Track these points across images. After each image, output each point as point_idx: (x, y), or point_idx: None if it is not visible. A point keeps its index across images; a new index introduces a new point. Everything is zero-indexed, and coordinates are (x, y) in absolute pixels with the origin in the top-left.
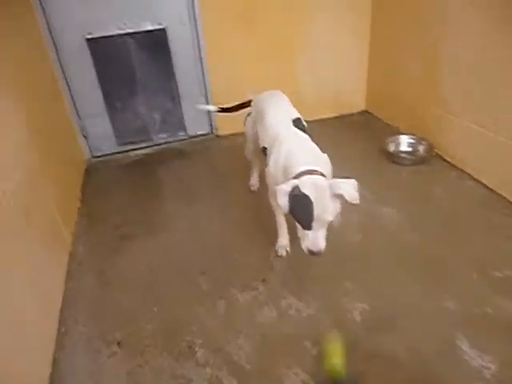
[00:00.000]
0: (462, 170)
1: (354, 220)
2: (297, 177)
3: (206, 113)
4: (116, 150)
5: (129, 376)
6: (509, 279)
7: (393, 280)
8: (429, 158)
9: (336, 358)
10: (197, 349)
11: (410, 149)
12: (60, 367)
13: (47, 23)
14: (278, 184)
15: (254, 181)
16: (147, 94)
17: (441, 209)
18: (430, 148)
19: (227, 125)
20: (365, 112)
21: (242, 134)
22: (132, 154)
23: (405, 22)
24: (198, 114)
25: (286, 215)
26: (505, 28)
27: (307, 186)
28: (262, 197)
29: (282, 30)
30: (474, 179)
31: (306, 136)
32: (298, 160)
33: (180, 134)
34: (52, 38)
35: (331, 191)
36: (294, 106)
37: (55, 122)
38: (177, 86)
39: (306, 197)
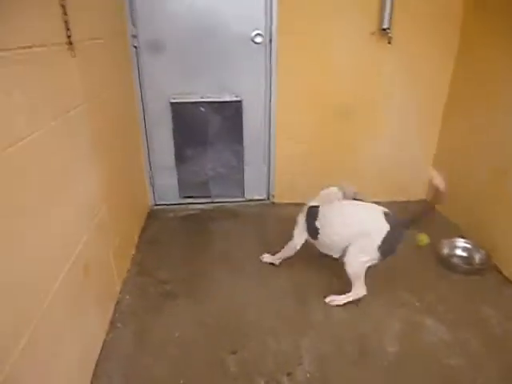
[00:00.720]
0: None
1: (394, 327)
2: None
3: (265, 179)
4: (177, 202)
5: None
6: None
7: None
8: (485, 269)
9: None
10: None
11: (465, 254)
12: None
13: (140, 84)
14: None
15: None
16: (215, 155)
17: (489, 332)
18: (488, 257)
19: (284, 194)
20: (423, 201)
21: (297, 205)
22: (190, 207)
23: (475, 131)
24: (257, 179)
25: None
26: None
27: None
28: (306, 270)
29: (351, 118)
30: None
31: None
32: None
33: (237, 195)
34: (142, 99)
35: None
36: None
37: (130, 174)
38: (243, 152)
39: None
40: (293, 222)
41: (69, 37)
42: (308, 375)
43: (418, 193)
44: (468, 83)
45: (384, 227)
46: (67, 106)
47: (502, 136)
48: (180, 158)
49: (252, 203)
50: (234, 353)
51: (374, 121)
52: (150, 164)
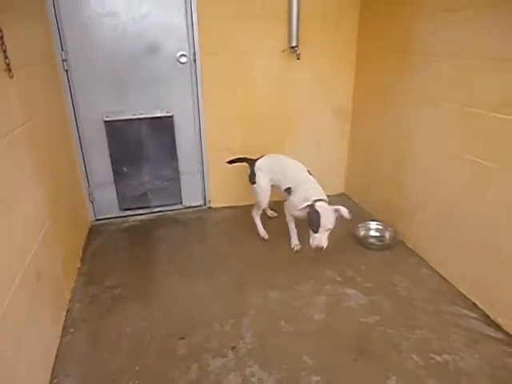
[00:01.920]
0: (420, 258)
1: (320, 299)
2: (314, 201)
3: (200, 187)
4: (117, 215)
5: None
6: (447, 364)
7: (346, 356)
8: (394, 245)
9: None
10: None
11: (377, 234)
12: None
13: (73, 104)
14: (296, 209)
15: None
16: (151, 167)
17: (399, 294)
18: (395, 235)
19: (219, 198)
20: (342, 195)
21: (232, 208)
22: (131, 218)
23: (380, 123)
24: (193, 187)
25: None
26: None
27: (319, 206)
28: (244, 266)
29: (273, 124)
30: (431, 267)
31: (314, 180)
32: (313, 195)
33: (176, 204)
34: (76, 119)
35: (333, 210)
36: None
37: (68, 191)
38: (177, 164)
39: (317, 212)
40: (229, 224)
41: (7, 64)
42: (249, 347)
43: (338, 187)
44: (367, 87)
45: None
46: (9, 128)
47: (400, 131)
48: (117, 173)
49: (190, 210)
50: (182, 338)
51: (293, 127)
52: (88, 181)
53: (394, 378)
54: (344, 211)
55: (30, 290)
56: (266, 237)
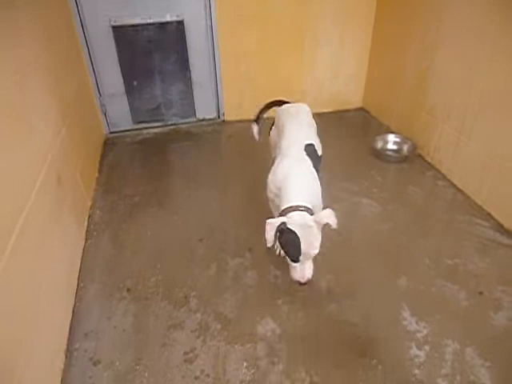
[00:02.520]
0: (438, 171)
1: (335, 208)
2: (286, 211)
3: (214, 99)
4: (131, 128)
5: (135, 316)
6: (457, 267)
7: (360, 258)
8: (412, 158)
9: None
10: (190, 299)
11: (395, 147)
12: (79, 306)
13: (78, 9)
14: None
15: None
16: (163, 78)
17: (413, 204)
18: (414, 148)
19: (233, 112)
20: (361, 109)
21: (246, 121)
22: (145, 131)
23: (402, 35)
24: (207, 99)
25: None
26: (493, 46)
27: (295, 223)
28: (257, 178)
29: (291, 27)
30: (448, 180)
31: (307, 164)
32: (288, 194)
33: (189, 117)
34: (81, 23)
35: (317, 225)
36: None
37: (81, 100)
38: (190, 74)
39: (294, 234)
40: (242, 138)
41: None
42: (265, 250)
43: (356, 102)
44: (388, 19)
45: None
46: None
47: (426, 41)
48: (129, 84)
49: (204, 123)
50: (200, 240)
51: (311, 38)
52: (99, 92)
53: (405, 277)
54: (331, 221)
55: (52, 191)
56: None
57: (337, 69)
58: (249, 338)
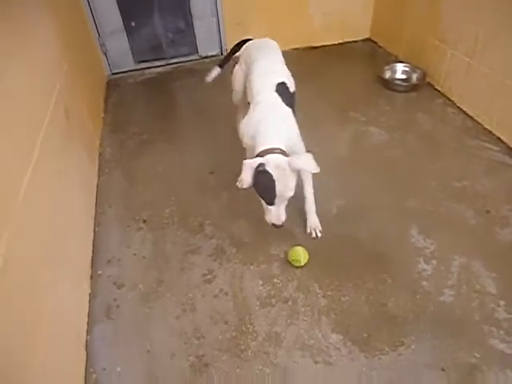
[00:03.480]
0: (448, 98)
1: (343, 137)
2: (261, 154)
3: (216, 34)
4: (133, 68)
5: (153, 243)
6: (465, 188)
7: (369, 184)
8: (421, 86)
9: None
10: (205, 226)
11: (404, 76)
12: (99, 232)
13: None
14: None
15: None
16: (162, 13)
17: (422, 131)
18: (423, 76)
19: None
20: (368, 40)
21: None
22: (147, 71)
23: None
24: (209, 35)
25: None
26: None
27: (271, 165)
28: None
29: None
30: (457, 107)
31: (280, 106)
32: (263, 138)
33: (192, 54)
34: None
35: (291, 168)
36: (302, 32)
37: (80, 38)
38: (190, 7)
39: (269, 176)
40: None
41: None
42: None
43: (363, 32)
44: None
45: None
46: None
47: None
48: (127, 20)
49: (207, 60)
50: (211, 173)
51: None
52: (97, 31)
53: (414, 199)
54: (309, 166)
55: (61, 126)
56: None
57: None
58: (263, 259)
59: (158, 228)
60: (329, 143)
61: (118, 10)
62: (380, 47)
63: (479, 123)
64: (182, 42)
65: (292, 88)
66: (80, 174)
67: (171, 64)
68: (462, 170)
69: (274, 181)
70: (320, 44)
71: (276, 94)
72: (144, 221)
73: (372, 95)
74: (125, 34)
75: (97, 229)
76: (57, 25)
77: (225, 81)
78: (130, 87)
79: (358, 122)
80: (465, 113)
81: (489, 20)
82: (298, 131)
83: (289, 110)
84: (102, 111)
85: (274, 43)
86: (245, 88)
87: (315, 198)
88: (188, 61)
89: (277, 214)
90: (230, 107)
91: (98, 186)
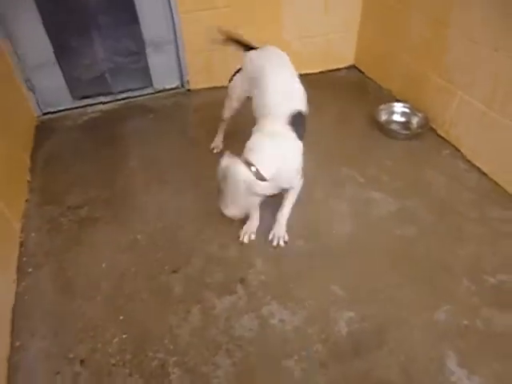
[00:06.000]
0: (456, 149)
1: (342, 206)
2: (243, 159)
3: (175, 63)
4: (70, 106)
5: None
6: (501, 286)
7: (383, 283)
8: (423, 133)
9: None
10: (170, 369)
11: (403, 119)
12: None
13: None
14: None
15: (218, 142)
16: (104, 38)
17: (435, 196)
18: (426, 122)
19: (201, 77)
20: (353, 67)
21: (218, 89)
22: (89, 110)
23: None
24: (165, 64)
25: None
26: None
27: (223, 165)
28: None
29: None
30: (468, 161)
31: (291, 141)
32: (254, 154)
33: (145, 87)
34: None
35: (248, 188)
36: None
37: None
38: (140, 29)
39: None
40: (213, 110)
41: None
42: (262, 277)
43: (347, 58)
44: None
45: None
46: None
47: None
48: (60, 47)
49: (164, 94)
50: (175, 272)
51: None
52: (20, 63)
53: (443, 307)
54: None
55: None
56: (215, 151)
57: (323, 16)
58: None
59: (102, 374)
60: (322, 218)
61: (47, 36)
62: (368, 78)
63: (499, 185)
64: (132, 71)
65: (305, 110)
66: None
67: (119, 100)
68: (492, 255)
69: (227, 185)
70: (298, 72)
71: (289, 127)
72: (82, 361)
73: (367, 144)
74: (57, 64)
75: (12, 376)
76: None
77: (186, 123)
78: (68, 132)
79: (356, 185)
80: (479, 169)
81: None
82: (299, 167)
83: (299, 145)
84: (27, 172)
85: (284, 54)
86: (243, 97)
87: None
88: (141, 95)
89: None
90: (196, 161)
91: (16, 301)
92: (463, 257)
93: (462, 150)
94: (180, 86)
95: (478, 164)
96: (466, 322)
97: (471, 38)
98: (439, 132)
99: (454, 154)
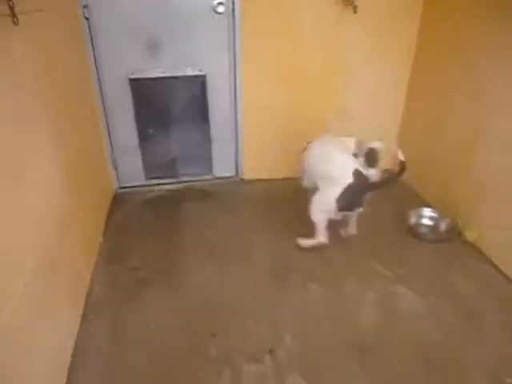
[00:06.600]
0: (482, 254)
1: (369, 298)
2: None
3: (233, 156)
4: (142, 183)
5: None
6: None
7: (405, 371)
8: (451, 237)
9: None
10: None
11: (430, 223)
12: None
13: (95, 59)
14: None
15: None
16: (180, 132)
17: (459, 298)
18: (453, 226)
19: (253, 170)
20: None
21: (267, 181)
22: (156, 188)
23: (444, 101)
24: (225, 156)
25: None
26: None
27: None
28: (281, 252)
29: (318, 84)
30: (496, 266)
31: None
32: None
33: (205, 174)
34: (98, 74)
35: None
36: None
37: (90, 156)
38: (209, 129)
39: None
40: (262, 198)
41: (11, 7)
42: (289, 352)
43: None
44: (432, 55)
45: (347, 180)
46: (12, 86)
47: (476, 101)
48: (143, 137)
49: (221, 181)
50: (213, 336)
51: (338, 90)
52: (111, 146)
53: None
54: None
55: (44, 280)
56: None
57: (364, 127)
58: None
59: None
60: (351, 306)
61: (136, 128)
62: (406, 184)
63: None
64: (197, 161)
65: None
66: (54, 340)
67: (182, 182)
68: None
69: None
70: None
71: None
72: None
73: (397, 243)
74: (139, 150)
75: None
76: (66, 150)
77: (238, 207)
78: (136, 205)
79: (384, 278)
80: (506, 275)
81: None
82: None
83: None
84: (100, 235)
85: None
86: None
87: None
88: (200, 180)
89: None
90: (243, 243)
91: (76, 338)
92: (483, 357)
93: (490, 256)
94: (235, 175)
95: (505, 270)
96: None
97: (497, 151)
98: (468, 238)
99: (481, 259)
